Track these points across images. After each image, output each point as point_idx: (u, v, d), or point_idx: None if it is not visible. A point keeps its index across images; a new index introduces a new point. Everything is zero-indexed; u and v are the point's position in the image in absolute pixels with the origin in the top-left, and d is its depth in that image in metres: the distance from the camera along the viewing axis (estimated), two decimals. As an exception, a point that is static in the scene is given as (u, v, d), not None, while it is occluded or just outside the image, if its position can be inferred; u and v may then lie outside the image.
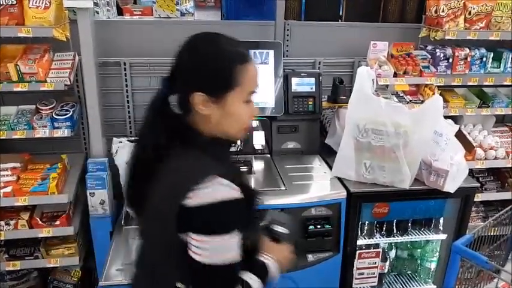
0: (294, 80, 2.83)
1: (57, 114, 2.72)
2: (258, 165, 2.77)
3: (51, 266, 2.82)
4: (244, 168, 2.74)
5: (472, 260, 1.84)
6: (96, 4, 3.03)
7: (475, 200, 2.77)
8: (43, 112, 2.75)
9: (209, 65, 1.27)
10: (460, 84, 3.11)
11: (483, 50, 3.17)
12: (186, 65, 1.30)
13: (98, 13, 3.17)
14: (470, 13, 3.01)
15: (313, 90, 2.84)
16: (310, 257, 2.49)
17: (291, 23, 3.24)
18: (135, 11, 3.56)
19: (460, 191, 2.53)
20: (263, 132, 2.86)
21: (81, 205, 2.90)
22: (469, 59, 3.12)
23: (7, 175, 2.64)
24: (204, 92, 1.24)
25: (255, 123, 2.84)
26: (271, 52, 2.81)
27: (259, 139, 2.87)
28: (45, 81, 2.60)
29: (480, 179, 3.37)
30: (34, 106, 2.81)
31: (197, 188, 1.17)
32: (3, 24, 2.46)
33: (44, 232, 2.66)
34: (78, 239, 2.86)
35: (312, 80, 2.84)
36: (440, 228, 2.81)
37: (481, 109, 3.18)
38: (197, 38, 1.32)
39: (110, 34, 3.05)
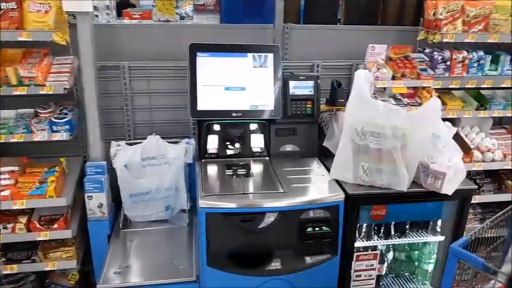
0: (293, 83, 2.84)
1: (56, 118, 2.74)
2: (257, 168, 2.77)
3: (49, 269, 2.82)
4: (242, 171, 2.74)
5: (469, 262, 1.85)
6: (95, 8, 3.04)
7: (472, 201, 2.78)
8: (42, 116, 2.76)
9: None
10: (458, 86, 3.13)
11: (481, 53, 3.18)
12: None
13: (97, 17, 3.18)
14: (468, 16, 3.03)
15: (312, 93, 2.84)
16: (308, 260, 2.49)
17: (290, 26, 3.25)
18: (134, 14, 3.57)
19: (457, 193, 2.52)
20: (262, 135, 2.86)
21: (79, 208, 2.91)
22: (466, 62, 3.13)
23: (5, 179, 2.66)
24: None
25: (253, 126, 2.84)
26: (270, 55, 2.81)
27: (257, 142, 2.88)
28: (45, 85, 2.61)
29: (477, 181, 3.38)
30: (33, 110, 2.82)
31: None
32: (4, 28, 2.48)
33: (42, 235, 2.67)
34: (76, 242, 2.85)
35: (311, 83, 2.85)
36: (438, 230, 2.81)
37: (478, 111, 3.19)
38: None
39: (110, 38, 3.07)
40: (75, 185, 2.79)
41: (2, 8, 2.47)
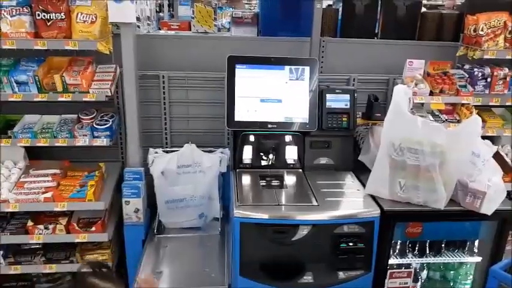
0: (329, 96, 2.84)
1: (98, 124, 2.83)
2: (290, 180, 2.77)
3: (85, 270, 2.88)
4: (276, 183, 2.75)
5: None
6: (137, 19, 3.14)
7: (512, 223, 2.69)
8: (84, 122, 2.86)
9: None
10: (498, 104, 3.05)
11: (523, 70, 3.10)
12: None
13: (139, 27, 3.28)
14: (510, 32, 2.96)
15: (348, 106, 2.84)
16: (341, 275, 2.47)
17: (327, 39, 3.26)
18: (172, 25, 3.66)
19: (497, 213, 2.46)
20: (296, 147, 2.88)
21: (115, 212, 2.98)
22: (508, 79, 3.06)
23: (48, 181, 2.76)
24: None
25: (288, 138, 2.86)
26: (307, 68, 2.83)
27: (291, 154, 2.89)
28: (88, 92, 2.70)
29: (518, 202, 3.27)
30: (76, 115, 2.92)
31: None
32: (52, 37, 2.59)
33: (80, 237, 2.75)
34: (112, 245, 2.92)
35: (347, 96, 2.85)
36: (475, 250, 2.74)
37: (519, 130, 3.10)
38: None
39: (150, 48, 3.16)
40: (113, 189, 2.87)
41: (52, 18, 2.58)
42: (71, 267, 2.88)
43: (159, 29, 3.75)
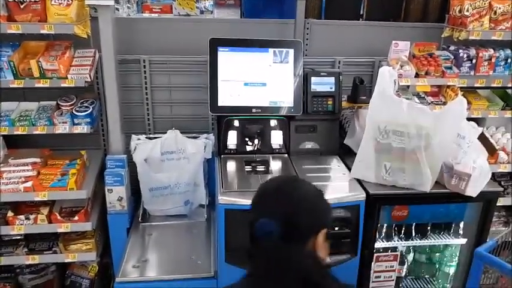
0: (314, 80, 2.80)
1: (77, 111, 2.75)
2: (276, 165, 2.74)
3: (69, 261, 2.84)
4: (262, 168, 2.72)
5: (496, 267, 1.81)
6: (116, 1, 3.04)
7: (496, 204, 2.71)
8: (63, 108, 2.78)
9: (323, 203, 1.41)
10: (484, 85, 3.04)
11: (508, 51, 3.09)
12: (308, 209, 1.35)
13: (118, 10, 3.18)
14: (495, 13, 2.94)
15: (333, 90, 2.80)
16: (327, 259, 2.46)
17: (311, 21, 3.21)
18: (154, 8, 3.58)
19: (482, 195, 2.47)
20: (281, 131, 2.84)
21: (99, 201, 2.92)
22: (493, 60, 3.05)
23: (27, 170, 2.68)
24: (325, 228, 1.38)
25: (273, 123, 2.82)
26: (291, 51, 2.78)
27: (277, 138, 2.85)
28: (66, 78, 2.62)
29: (502, 183, 3.29)
30: (55, 102, 2.83)
31: None
32: (27, 20, 2.49)
33: (63, 227, 2.68)
34: (96, 235, 2.87)
35: (332, 79, 2.81)
36: (460, 232, 2.75)
37: (504, 111, 3.10)
38: (286, 183, 1.46)
39: (130, 31, 3.06)
40: (95, 177, 2.81)
41: (25, 0, 2.48)
42: (54, 258, 2.83)
43: (142, 12, 3.66)
